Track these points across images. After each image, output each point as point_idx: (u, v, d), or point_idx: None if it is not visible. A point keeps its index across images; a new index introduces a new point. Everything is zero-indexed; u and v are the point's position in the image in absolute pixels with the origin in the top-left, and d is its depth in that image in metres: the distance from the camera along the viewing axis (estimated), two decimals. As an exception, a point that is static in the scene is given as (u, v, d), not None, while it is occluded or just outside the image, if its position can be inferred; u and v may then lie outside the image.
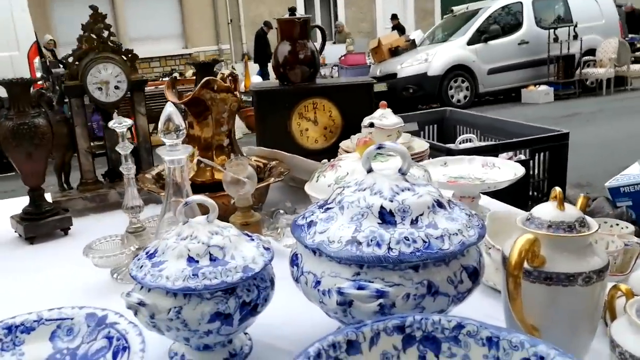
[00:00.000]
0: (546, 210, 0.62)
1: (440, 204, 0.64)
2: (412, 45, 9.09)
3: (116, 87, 1.23)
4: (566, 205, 0.62)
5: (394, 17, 10.81)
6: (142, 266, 0.65)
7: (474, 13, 8.68)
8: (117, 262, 0.91)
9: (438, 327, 0.52)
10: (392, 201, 0.62)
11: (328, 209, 0.65)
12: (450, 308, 0.62)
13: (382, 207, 0.61)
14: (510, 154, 1.77)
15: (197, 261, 0.64)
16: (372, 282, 0.59)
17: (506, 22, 8.50)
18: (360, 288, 0.58)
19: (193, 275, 0.62)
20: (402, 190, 0.63)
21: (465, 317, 0.53)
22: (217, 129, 1.08)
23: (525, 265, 0.59)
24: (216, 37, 11.85)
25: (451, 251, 0.59)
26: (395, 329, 0.53)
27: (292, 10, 1.53)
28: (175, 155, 0.79)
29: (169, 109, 0.76)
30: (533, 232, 0.60)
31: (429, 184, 0.67)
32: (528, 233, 0.59)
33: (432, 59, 8.03)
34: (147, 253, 0.67)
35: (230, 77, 1.13)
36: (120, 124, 0.89)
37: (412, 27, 12.80)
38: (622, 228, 0.92)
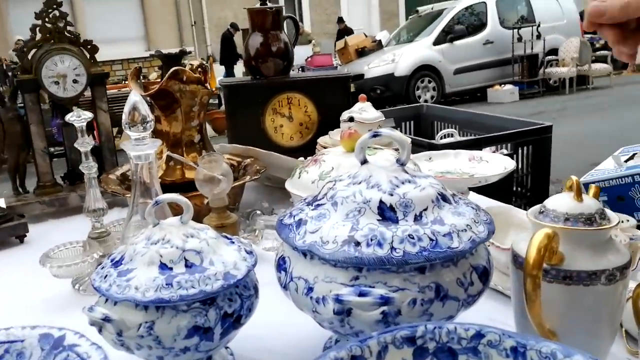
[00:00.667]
0: (562, 202, 0.56)
1: (444, 197, 0.57)
2: (378, 45, 9.10)
3: (74, 81, 1.13)
4: (583, 196, 0.57)
5: (340, 20, 10.59)
6: (106, 276, 0.57)
7: (439, 13, 8.74)
8: (79, 272, 0.82)
9: (454, 336, 0.46)
10: (392, 195, 0.55)
11: (319, 205, 0.58)
12: (458, 314, 0.56)
13: (381, 202, 0.54)
14: (493, 148, 1.73)
15: (171, 268, 0.56)
16: (373, 287, 0.52)
17: (470, 23, 8.58)
18: (361, 294, 0.51)
19: (167, 284, 0.54)
20: (403, 183, 0.56)
21: (484, 324, 0.46)
22: (187, 124, 0.99)
23: (542, 263, 0.53)
24: (180, 40, 11.64)
25: (461, 249, 0.52)
26: (405, 340, 0.46)
27: (263, 0, 1.45)
28: (142, 150, 0.70)
29: (134, 98, 0.68)
30: (549, 226, 0.54)
31: (430, 176, 0.60)
32: (544, 228, 0.53)
33: (399, 60, 8.05)
34: (112, 260, 0.59)
35: (200, 69, 1.05)
36: (79, 117, 0.79)
37: (377, 28, 12.84)
38: (622, 222, 0.87)
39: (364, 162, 0.60)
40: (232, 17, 10.54)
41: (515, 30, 8.30)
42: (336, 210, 0.56)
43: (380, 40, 9.39)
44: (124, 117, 0.68)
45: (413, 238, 0.52)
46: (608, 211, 0.57)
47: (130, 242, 0.59)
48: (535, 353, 0.43)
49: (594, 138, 5.10)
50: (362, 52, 8.88)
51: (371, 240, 0.52)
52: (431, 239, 0.52)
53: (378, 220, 0.53)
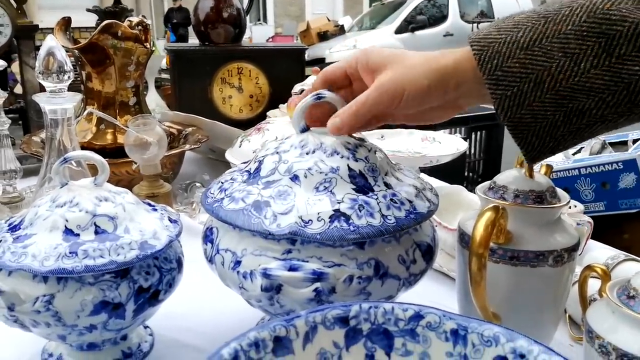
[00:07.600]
0: (512, 178, 0.53)
1: (390, 163, 0.53)
2: (340, 30, 9.04)
3: (-2, 33, 1.03)
4: (535, 173, 0.53)
5: None
6: (0, 241, 0.49)
7: (402, 2, 8.74)
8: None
9: (391, 317, 0.41)
10: (356, 160, 0.49)
11: (270, 182, 0.50)
12: (399, 294, 0.51)
13: (350, 169, 0.48)
14: (447, 131, 1.71)
15: (77, 235, 0.49)
16: (307, 261, 0.46)
17: (432, 14, 8.62)
18: (292, 269, 0.45)
19: (70, 253, 0.47)
20: (357, 147, 0.51)
21: (423, 304, 0.42)
22: (122, 84, 0.91)
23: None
24: (137, 10, 11.23)
25: (428, 212, 0.48)
26: (337, 320, 0.41)
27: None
28: (57, 103, 0.62)
29: (50, 43, 0.60)
30: (498, 202, 0.50)
31: (367, 140, 0.55)
32: (493, 204, 0.49)
33: (360, 46, 8.01)
34: (9, 225, 0.51)
35: (140, 26, 0.96)
36: (-11, 65, 0.71)
37: (340, 13, 12.77)
38: (570, 207, 0.85)
39: (305, 130, 0.53)
40: (192, -10, 10.23)
41: (475, 25, 8.38)
42: (300, 185, 0.48)
43: (342, 25, 9.33)
44: (37, 63, 0.60)
45: (396, 203, 0.47)
46: (558, 190, 0.53)
47: (33, 205, 0.52)
48: (477, 336, 0.39)
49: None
50: (324, 36, 8.81)
51: (359, 210, 0.46)
52: (410, 202, 0.48)
53: (354, 189, 0.48)
